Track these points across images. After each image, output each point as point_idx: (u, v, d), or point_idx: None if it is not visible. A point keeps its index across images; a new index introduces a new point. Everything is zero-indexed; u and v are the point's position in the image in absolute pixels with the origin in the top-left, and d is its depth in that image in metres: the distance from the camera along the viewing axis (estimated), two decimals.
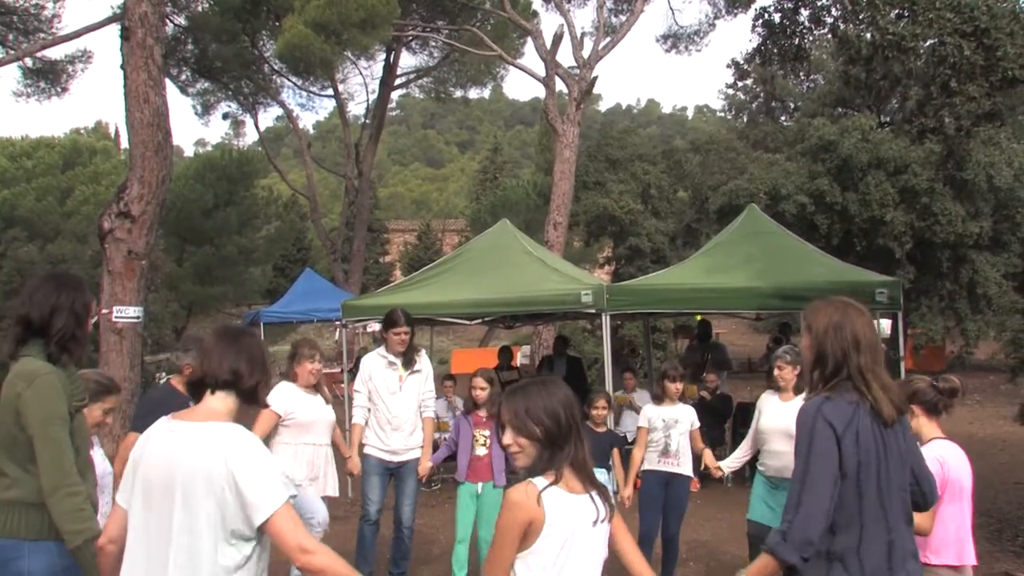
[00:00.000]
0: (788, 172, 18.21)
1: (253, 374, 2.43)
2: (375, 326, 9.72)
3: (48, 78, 17.67)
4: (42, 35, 16.35)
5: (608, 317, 8.36)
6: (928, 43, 7.44)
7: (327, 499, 5.32)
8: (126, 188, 8.61)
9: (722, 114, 35.26)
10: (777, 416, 4.90)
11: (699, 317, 12.20)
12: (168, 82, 12.81)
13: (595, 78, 16.51)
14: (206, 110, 23.88)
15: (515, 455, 2.29)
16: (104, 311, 8.37)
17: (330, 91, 24.46)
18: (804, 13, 8.87)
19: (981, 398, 14.96)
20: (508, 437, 2.29)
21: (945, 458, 3.19)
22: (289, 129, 33.12)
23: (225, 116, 25.17)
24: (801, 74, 21.29)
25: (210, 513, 2.22)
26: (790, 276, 8.56)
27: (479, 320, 10.11)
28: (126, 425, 7.51)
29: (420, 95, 31.24)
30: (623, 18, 19.16)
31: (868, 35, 7.76)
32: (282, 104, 25.05)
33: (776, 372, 5.09)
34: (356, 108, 52.81)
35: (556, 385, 2.37)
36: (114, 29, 9.54)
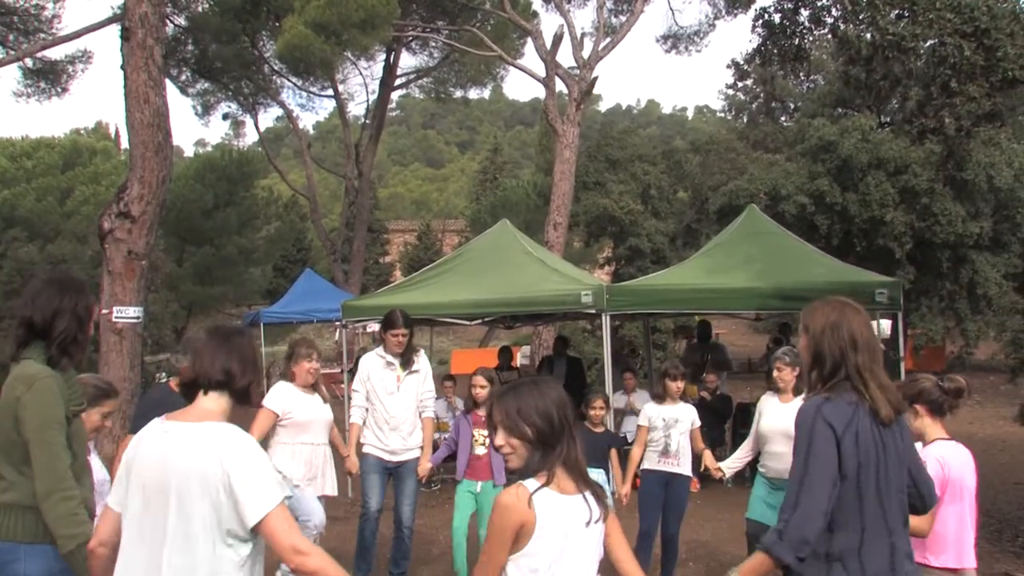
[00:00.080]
0: (788, 172, 18.20)
1: (245, 374, 2.42)
2: (375, 326, 9.72)
3: (48, 78, 17.67)
4: (42, 35, 16.36)
5: (608, 317, 8.36)
6: (928, 43, 7.44)
7: (326, 499, 5.32)
8: (126, 188, 8.61)
9: (722, 114, 35.26)
10: (777, 418, 4.90)
11: (699, 318, 12.19)
12: (168, 82, 12.81)
13: (595, 78, 16.52)
14: (206, 110, 23.90)
15: (507, 456, 2.28)
16: (104, 311, 8.36)
17: (330, 91, 24.47)
18: (804, 13, 8.87)
19: (981, 398, 14.96)
20: (500, 438, 2.28)
21: (946, 459, 3.17)
22: (289, 129, 33.13)
23: (225, 116, 25.19)
24: (801, 74, 21.30)
25: (205, 514, 2.21)
26: (790, 276, 8.56)
27: (479, 320, 10.12)
28: (126, 426, 7.51)
29: (420, 95, 31.25)
30: (623, 18, 19.17)
31: (868, 35, 7.76)
32: (282, 104, 25.08)
33: (775, 374, 5.09)
34: (356, 108, 52.79)
35: (548, 385, 2.36)
36: (114, 29, 9.55)
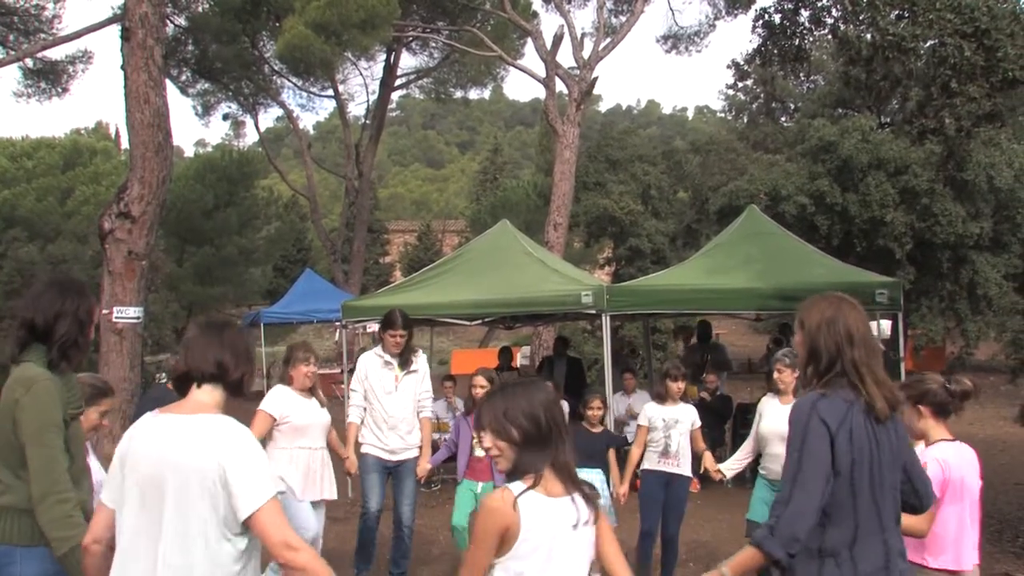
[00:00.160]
0: (788, 173, 18.20)
1: (238, 366, 2.41)
2: (375, 327, 9.74)
3: (48, 78, 17.68)
4: (43, 36, 16.37)
5: (608, 318, 8.36)
6: (928, 44, 7.44)
7: (325, 503, 5.30)
8: (126, 188, 8.61)
9: (722, 115, 35.25)
10: (777, 419, 4.89)
11: (699, 318, 12.19)
12: (168, 83, 12.82)
13: (595, 79, 16.52)
14: (206, 111, 23.90)
15: (495, 458, 2.27)
16: (104, 311, 8.36)
17: (330, 92, 24.48)
18: (804, 14, 8.87)
19: (981, 399, 14.89)
20: (488, 440, 2.27)
21: (947, 460, 3.15)
22: (289, 130, 33.14)
23: (225, 117, 25.20)
24: (801, 75, 21.29)
25: (202, 507, 2.20)
26: (790, 277, 8.56)
27: (479, 321, 10.12)
28: (126, 425, 7.49)
29: (420, 96, 31.26)
30: (623, 19, 19.17)
31: (868, 36, 7.76)
32: (282, 105, 25.09)
33: (776, 375, 5.09)
34: (356, 109, 52.82)
35: (536, 387, 2.34)
36: (114, 30, 9.54)
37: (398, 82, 25.25)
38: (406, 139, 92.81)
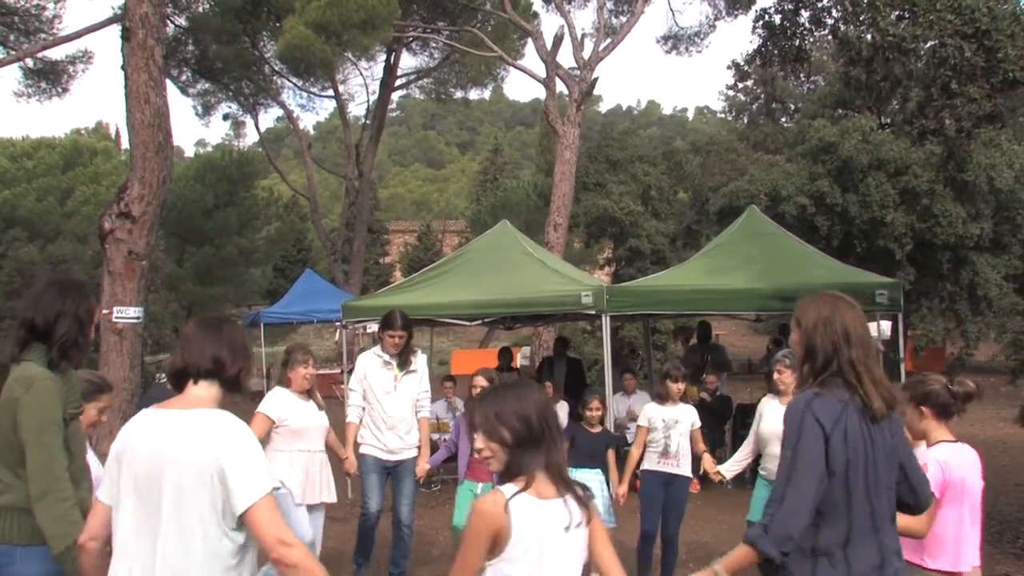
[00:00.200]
0: (788, 173, 18.22)
1: (235, 361, 2.41)
2: (375, 327, 9.74)
3: (49, 78, 17.69)
4: (43, 36, 16.37)
5: (608, 318, 8.36)
6: (929, 45, 7.44)
7: (324, 505, 5.28)
8: (127, 189, 8.61)
9: (722, 115, 35.28)
10: (777, 420, 4.86)
11: (699, 319, 12.19)
12: (169, 83, 12.82)
13: (595, 79, 16.52)
14: (207, 111, 23.90)
15: (487, 460, 2.26)
16: (104, 311, 8.36)
17: (330, 92, 24.47)
18: (804, 14, 8.87)
19: (981, 400, 14.91)
20: (479, 441, 2.26)
21: (948, 461, 3.13)
22: (289, 130, 33.14)
23: (225, 117, 25.19)
24: (801, 75, 21.28)
25: (201, 502, 2.20)
26: (790, 277, 8.56)
27: (479, 321, 10.11)
28: None
29: (420, 96, 31.26)
30: (623, 19, 19.17)
31: (868, 37, 7.76)
32: (282, 105, 25.09)
33: (776, 376, 5.08)
34: (356, 109, 52.87)
35: (529, 389, 2.34)
36: (115, 30, 9.55)
37: (398, 82, 25.27)
38: (406, 139, 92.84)
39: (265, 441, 4.99)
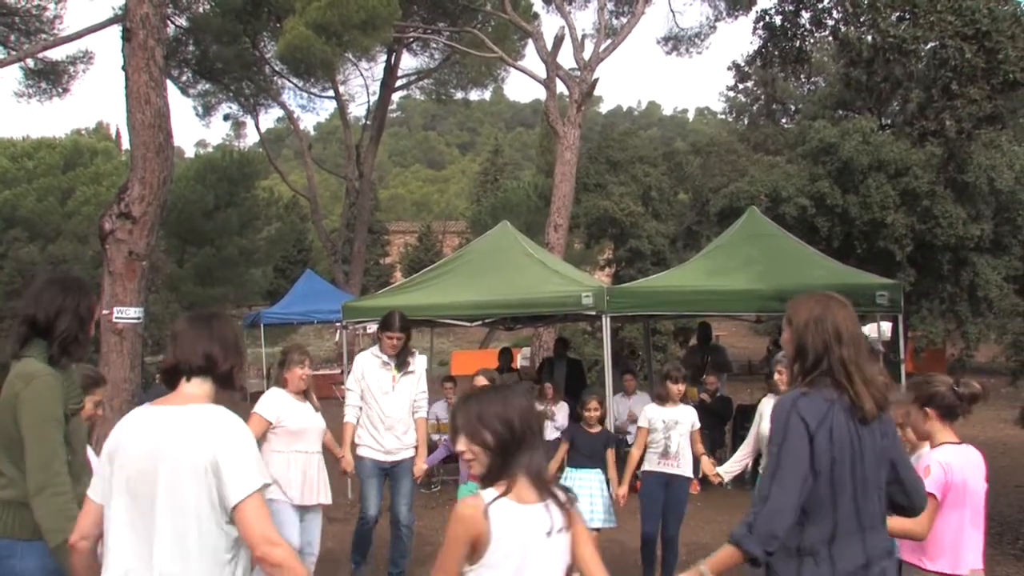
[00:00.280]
0: (789, 174, 18.21)
1: (227, 358, 2.40)
2: (375, 327, 9.76)
3: (49, 79, 17.69)
4: (44, 36, 16.37)
5: (608, 319, 8.36)
6: (929, 46, 7.44)
7: (321, 507, 5.28)
8: (127, 189, 8.60)
9: (723, 116, 35.26)
10: None
11: (699, 320, 12.19)
12: (169, 83, 12.83)
13: (596, 80, 16.52)
14: (207, 111, 23.90)
15: (469, 462, 2.25)
16: (105, 312, 8.35)
17: (331, 92, 24.47)
18: (805, 15, 8.88)
19: (982, 401, 14.91)
20: (462, 443, 2.25)
21: (950, 463, 3.11)
22: (290, 130, 33.13)
23: (226, 117, 25.16)
24: (802, 76, 21.29)
25: (196, 495, 2.19)
26: (790, 278, 8.56)
27: (479, 322, 10.12)
28: None
29: (421, 97, 31.25)
30: (624, 20, 19.16)
31: (869, 38, 7.76)
32: (283, 105, 25.07)
33: (776, 376, 5.08)
34: (357, 109, 52.88)
35: (513, 393, 2.33)
36: (115, 30, 9.54)
37: (399, 83, 25.27)
38: (407, 140, 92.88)
39: (262, 442, 4.98)
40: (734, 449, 7.94)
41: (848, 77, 11.66)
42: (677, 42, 21.24)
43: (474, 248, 10.16)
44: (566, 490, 2.31)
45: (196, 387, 2.37)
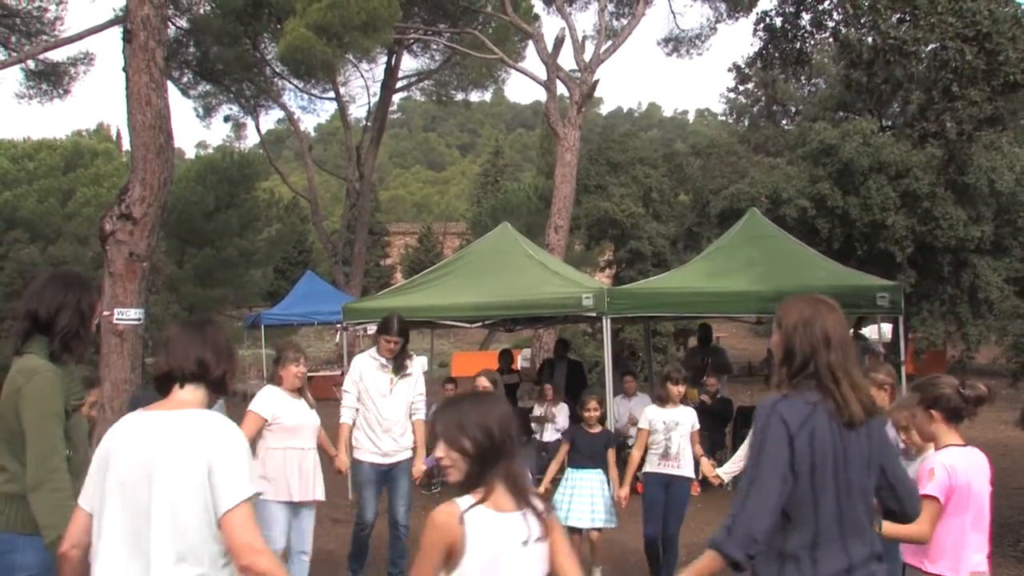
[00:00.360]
0: (789, 176, 18.22)
1: (220, 364, 2.40)
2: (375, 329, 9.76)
3: (50, 80, 17.71)
4: (44, 37, 16.37)
5: (609, 320, 8.36)
6: (930, 47, 7.45)
7: (319, 504, 5.29)
8: (128, 190, 8.60)
9: (723, 118, 35.29)
10: None
11: (699, 321, 12.19)
12: (170, 84, 12.83)
13: (596, 81, 16.53)
14: (208, 112, 23.93)
15: (447, 469, 2.24)
16: (105, 313, 8.35)
17: (331, 94, 24.48)
18: (805, 17, 8.88)
19: (993, 403, 14.88)
20: (441, 450, 2.24)
21: (955, 466, 3.09)
22: (290, 132, 33.15)
23: (226, 119, 25.19)
24: (802, 78, 21.33)
25: (192, 500, 2.18)
26: (791, 280, 8.56)
27: (480, 323, 10.12)
28: None
29: (421, 98, 31.26)
30: (624, 21, 19.17)
31: (869, 39, 7.77)
32: (283, 107, 25.09)
33: None
34: (357, 111, 52.94)
35: (492, 401, 2.34)
36: (116, 32, 9.54)
37: (399, 84, 25.28)
38: (407, 141, 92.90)
39: (258, 439, 5.01)
40: (734, 450, 7.94)
41: (849, 79, 11.65)
42: (677, 43, 21.25)
43: (474, 249, 10.16)
44: (544, 499, 2.30)
45: (189, 393, 2.36)
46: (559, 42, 17.00)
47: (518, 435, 2.30)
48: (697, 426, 5.78)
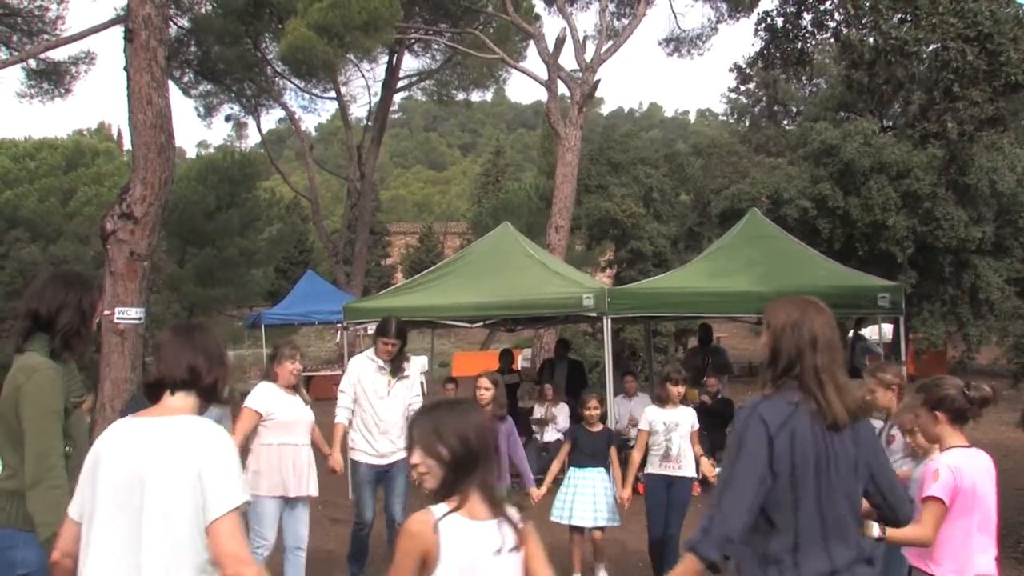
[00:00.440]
0: (790, 176, 18.22)
1: (211, 370, 2.38)
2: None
3: (51, 79, 17.71)
4: (46, 37, 16.38)
5: (609, 320, 8.35)
6: (931, 48, 7.44)
7: (320, 503, 5.30)
8: (129, 189, 8.60)
9: (724, 118, 35.30)
10: None
11: (700, 322, 12.19)
12: (171, 84, 12.84)
13: (597, 81, 16.53)
14: (209, 112, 23.93)
15: (422, 476, 2.24)
16: (106, 312, 8.36)
17: (332, 93, 24.48)
18: (807, 17, 8.88)
19: (997, 404, 14.86)
20: (416, 456, 2.24)
21: (960, 467, 3.08)
22: (291, 131, 33.16)
23: (228, 118, 25.19)
24: (803, 78, 21.31)
25: (184, 506, 2.17)
26: (792, 280, 8.55)
27: (480, 323, 10.11)
28: None
29: (422, 98, 31.25)
30: (625, 21, 19.17)
31: (871, 40, 7.77)
32: (284, 106, 25.10)
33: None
34: (358, 110, 52.96)
35: (469, 408, 2.34)
36: (117, 31, 9.55)
37: (400, 84, 25.26)
38: (408, 141, 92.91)
39: (252, 435, 5.04)
40: None
41: (850, 79, 11.65)
42: (679, 43, 21.25)
43: (475, 249, 10.16)
44: (518, 508, 2.29)
45: (180, 400, 2.35)
46: (560, 42, 17.01)
47: (494, 444, 2.29)
48: (696, 426, 5.78)
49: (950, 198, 16.06)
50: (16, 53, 15.53)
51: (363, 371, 5.67)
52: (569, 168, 16.04)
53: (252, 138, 59.86)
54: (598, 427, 5.95)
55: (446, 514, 2.15)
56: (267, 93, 23.69)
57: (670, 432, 5.65)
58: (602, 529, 5.87)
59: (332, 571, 6.10)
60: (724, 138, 28.01)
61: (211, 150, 52.41)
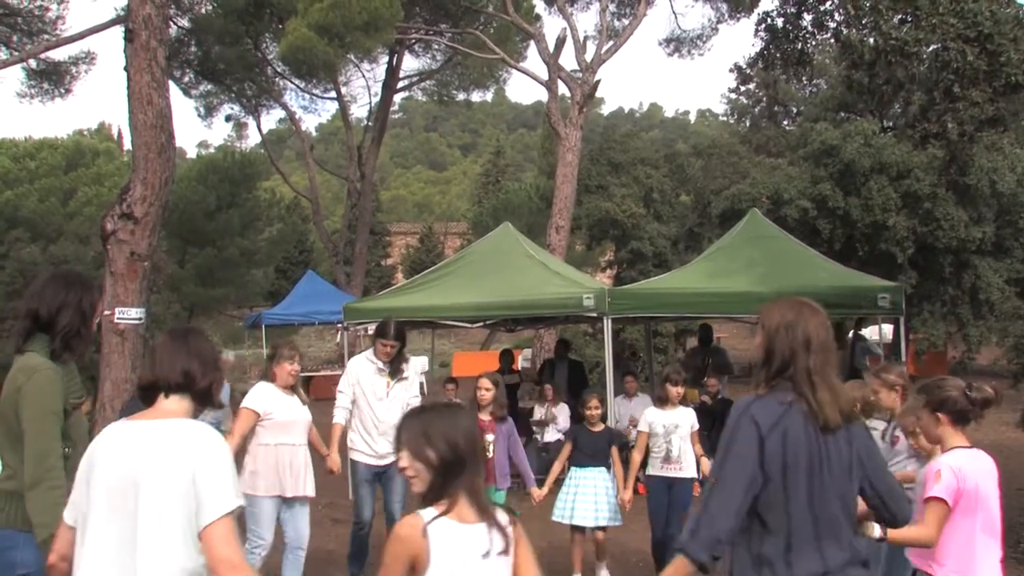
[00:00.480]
0: (790, 176, 18.20)
1: (206, 375, 2.39)
2: None
3: (51, 79, 17.72)
4: (46, 37, 16.39)
5: (610, 321, 8.36)
6: (931, 48, 7.45)
7: (307, 499, 5.30)
8: (129, 190, 8.61)
9: (724, 118, 35.29)
10: None
11: (700, 322, 12.19)
12: (171, 84, 12.84)
13: (598, 82, 16.53)
14: (209, 112, 23.93)
15: (410, 479, 2.24)
16: (106, 312, 8.36)
17: (333, 94, 24.49)
18: (807, 18, 8.88)
19: (999, 405, 14.84)
20: (404, 460, 2.24)
21: (962, 468, 3.07)
22: (292, 131, 33.17)
23: (228, 118, 25.19)
24: (804, 79, 21.32)
25: (178, 510, 2.17)
26: (792, 281, 8.55)
27: (481, 323, 10.11)
28: None
29: (423, 98, 31.27)
30: (626, 22, 19.17)
31: (871, 40, 7.77)
32: (285, 106, 25.10)
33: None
34: (359, 111, 52.93)
35: (459, 412, 2.34)
36: (118, 31, 9.56)
37: (400, 84, 25.27)
38: (408, 141, 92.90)
39: (250, 435, 5.04)
40: None
41: (850, 79, 11.66)
42: (679, 44, 21.26)
43: (475, 249, 10.16)
44: (508, 512, 2.28)
45: (174, 403, 2.35)
46: (560, 42, 17.01)
47: (482, 448, 2.31)
48: (696, 426, 5.79)
49: (950, 198, 16.05)
50: (16, 53, 15.54)
51: (362, 372, 5.68)
52: (569, 168, 16.04)
53: (252, 138, 59.91)
54: (599, 427, 5.96)
55: (435, 518, 2.15)
56: (267, 93, 23.70)
57: (670, 434, 5.66)
58: (604, 529, 5.88)
59: (332, 571, 6.11)
60: (724, 138, 28.00)
61: (211, 150, 52.40)
